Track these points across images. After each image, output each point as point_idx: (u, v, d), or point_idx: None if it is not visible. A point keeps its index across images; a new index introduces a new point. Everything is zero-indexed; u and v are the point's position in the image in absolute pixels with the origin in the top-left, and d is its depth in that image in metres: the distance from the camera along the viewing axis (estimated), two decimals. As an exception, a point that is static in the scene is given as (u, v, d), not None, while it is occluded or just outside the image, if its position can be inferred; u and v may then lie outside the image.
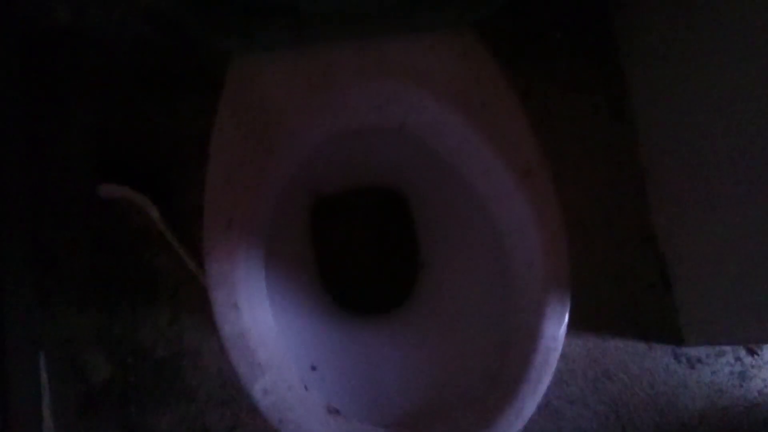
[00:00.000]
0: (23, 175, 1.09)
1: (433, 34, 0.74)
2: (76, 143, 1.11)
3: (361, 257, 0.87)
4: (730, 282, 0.99)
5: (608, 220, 1.16)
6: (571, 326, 1.06)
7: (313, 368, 0.78)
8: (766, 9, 0.81)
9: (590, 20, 1.21)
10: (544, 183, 0.73)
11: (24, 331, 1.04)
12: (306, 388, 0.70)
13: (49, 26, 1.12)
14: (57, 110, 1.12)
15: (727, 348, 1.14)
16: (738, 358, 1.14)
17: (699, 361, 1.13)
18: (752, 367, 1.14)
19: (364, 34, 0.73)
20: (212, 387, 1.07)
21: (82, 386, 1.06)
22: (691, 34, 0.99)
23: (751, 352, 1.14)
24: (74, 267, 1.09)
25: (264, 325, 0.71)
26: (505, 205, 0.76)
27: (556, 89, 1.19)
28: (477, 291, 0.82)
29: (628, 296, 1.15)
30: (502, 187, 0.74)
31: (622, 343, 1.13)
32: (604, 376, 1.12)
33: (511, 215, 0.75)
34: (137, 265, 1.09)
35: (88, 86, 1.13)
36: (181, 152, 1.11)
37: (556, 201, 0.73)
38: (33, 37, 1.12)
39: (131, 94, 1.13)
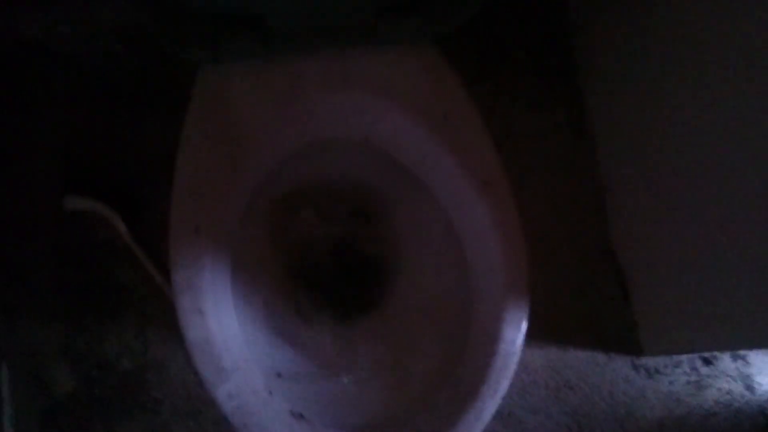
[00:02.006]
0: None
1: (397, 48, 0.76)
2: (43, 157, 1.11)
3: (327, 266, 0.88)
4: (685, 294, 1.02)
5: (569, 235, 1.19)
6: (533, 338, 1.10)
7: (279, 375, 0.79)
8: (714, 31, 0.85)
9: (551, 41, 1.26)
10: (504, 192, 0.76)
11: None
12: (270, 393, 0.71)
13: (18, 42, 1.12)
14: (24, 124, 1.12)
15: (684, 358, 1.17)
16: (694, 368, 1.17)
17: (657, 371, 1.16)
18: (708, 376, 1.17)
19: (329, 47, 0.75)
20: (177, 399, 1.07)
21: (46, 399, 1.05)
22: (644, 56, 1.03)
23: (707, 362, 1.17)
24: (39, 279, 1.08)
25: (229, 331, 0.72)
26: (465, 214, 0.78)
27: (519, 107, 1.22)
28: (439, 297, 0.84)
29: (589, 308, 1.18)
30: (463, 196, 0.77)
31: (582, 354, 1.15)
32: (565, 387, 1.14)
33: (472, 223, 0.77)
34: (103, 278, 1.09)
35: (56, 101, 1.13)
36: (148, 166, 1.12)
37: (514, 210, 0.76)
38: (1, 51, 1.13)
39: (99, 110, 1.14)
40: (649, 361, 1.17)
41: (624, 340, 1.17)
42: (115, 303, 1.09)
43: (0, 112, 1.12)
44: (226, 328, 0.71)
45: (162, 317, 1.08)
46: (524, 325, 0.74)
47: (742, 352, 1.19)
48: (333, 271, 0.87)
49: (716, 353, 1.18)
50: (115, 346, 1.07)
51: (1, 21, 1.13)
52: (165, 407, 1.06)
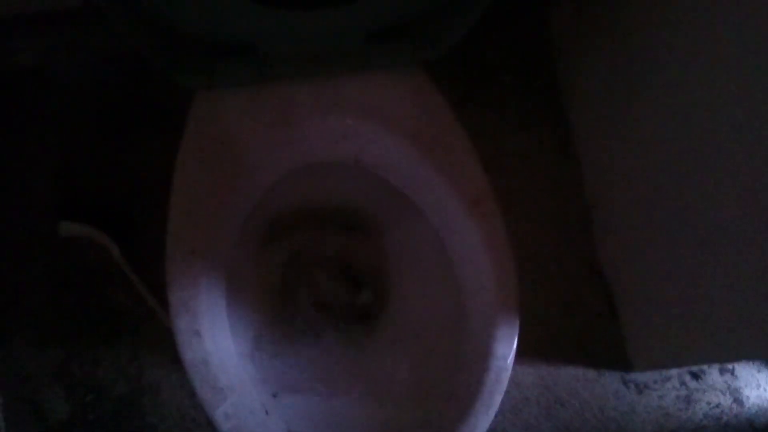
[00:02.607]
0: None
1: (387, 73, 0.78)
2: (37, 183, 1.12)
3: (321, 288, 0.89)
4: (671, 309, 1.04)
5: (557, 254, 1.21)
6: (524, 355, 1.11)
7: (274, 396, 0.80)
8: (692, 53, 0.88)
9: (536, 65, 1.29)
10: (493, 211, 0.78)
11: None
12: (267, 412, 0.72)
13: (11, 68, 1.14)
14: (17, 150, 1.13)
15: (673, 373, 1.19)
16: (683, 383, 1.19)
17: (646, 386, 1.18)
18: (696, 390, 1.19)
19: (321, 73, 0.77)
20: (172, 423, 1.07)
21: (41, 425, 1.05)
22: (624, 77, 1.06)
23: (695, 376, 1.19)
24: (34, 305, 1.09)
25: (225, 352, 0.73)
26: (456, 233, 0.80)
27: (505, 129, 1.25)
28: (432, 316, 0.86)
29: (578, 326, 1.19)
30: (453, 215, 0.79)
31: (573, 371, 1.17)
32: (556, 403, 1.15)
33: (462, 242, 0.79)
34: (97, 303, 1.10)
35: (49, 126, 1.15)
36: (142, 191, 1.13)
37: (504, 228, 0.78)
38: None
39: (93, 135, 1.15)
40: (639, 377, 1.18)
41: (613, 356, 1.18)
42: (110, 327, 1.09)
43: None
44: (222, 350, 0.72)
45: (156, 341, 1.09)
46: (515, 342, 0.75)
47: (729, 366, 1.21)
48: (326, 293, 0.88)
49: (704, 368, 1.20)
50: (110, 371, 1.07)
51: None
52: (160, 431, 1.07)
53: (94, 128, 1.15)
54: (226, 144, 0.75)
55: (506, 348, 0.75)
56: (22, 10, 1.08)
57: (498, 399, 0.74)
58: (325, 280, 0.89)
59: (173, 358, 1.08)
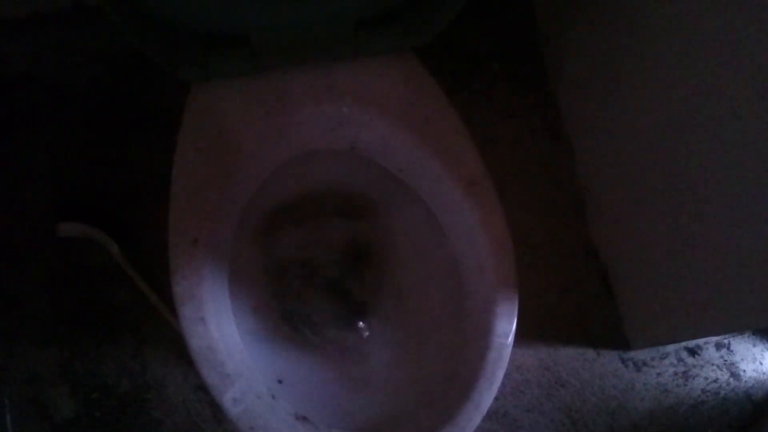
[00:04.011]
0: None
1: (378, 59, 0.80)
2: (34, 184, 1.13)
3: (321, 273, 0.90)
4: (666, 285, 1.06)
5: (551, 236, 1.23)
6: (523, 337, 1.13)
7: (280, 381, 0.81)
8: (677, 29, 0.89)
9: (524, 51, 1.30)
10: (488, 191, 0.79)
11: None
12: (273, 397, 0.73)
13: (4, 73, 1.14)
14: (14, 153, 1.14)
15: (670, 350, 1.20)
16: (680, 359, 1.20)
17: (644, 364, 1.20)
18: (694, 366, 1.21)
19: (313, 61, 0.78)
20: (178, 418, 1.08)
21: (47, 424, 1.05)
22: (608, 59, 1.07)
23: (692, 353, 1.21)
24: (35, 306, 1.09)
25: (230, 338, 0.74)
26: (453, 214, 0.81)
27: (495, 115, 1.26)
28: (433, 297, 0.87)
29: (575, 307, 1.21)
30: (449, 197, 0.80)
31: (572, 351, 1.18)
32: (557, 384, 1.17)
33: (459, 223, 0.80)
34: (98, 301, 1.10)
35: (45, 128, 1.15)
36: (138, 189, 1.14)
37: (500, 208, 0.79)
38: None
39: (88, 135, 1.16)
40: (637, 355, 1.20)
41: (611, 335, 1.20)
42: (112, 325, 1.10)
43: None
44: (227, 336, 0.73)
45: (158, 337, 1.10)
46: (515, 319, 0.76)
47: (725, 341, 1.23)
48: (326, 277, 0.90)
49: (701, 343, 1.22)
50: (114, 368, 1.08)
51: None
52: (166, 427, 1.07)
53: (89, 128, 1.16)
54: (224, 134, 0.76)
55: (507, 325, 0.76)
56: (13, 13, 1.09)
57: (500, 375, 0.75)
58: (324, 267, 0.90)
59: (177, 354, 1.09)
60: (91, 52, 1.16)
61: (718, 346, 1.23)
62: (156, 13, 0.69)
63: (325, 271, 0.89)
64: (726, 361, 1.22)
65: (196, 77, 0.75)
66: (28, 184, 1.13)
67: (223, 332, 0.73)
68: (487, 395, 0.74)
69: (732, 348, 1.23)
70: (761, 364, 1.24)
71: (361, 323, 0.88)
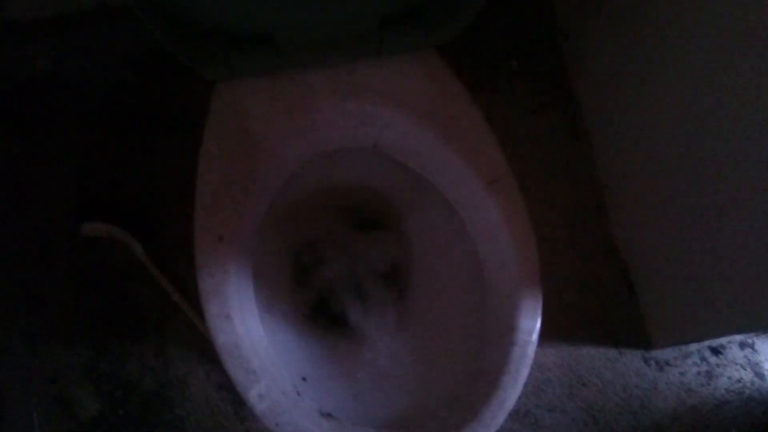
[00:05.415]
0: (7, 219, 1.12)
1: (401, 58, 0.80)
2: (58, 185, 1.14)
3: (343, 271, 0.90)
4: (688, 283, 1.05)
5: (572, 234, 1.22)
6: (545, 336, 1.11)
7: (304, 379, 0.81)
8: (703, 26, 0.89)
9: (542, 49, 1.30)
10: (511, 189, 0.79)
11: (15, 374, 1.05)
12: (298, 393, 0.74)
13: (28, 74, 1.16)
14: (37, 154, 1.15)
15: (693, 349, 1.19)
16: (704, 358, 1.20)
17: (667, 363, 1.19)
18: (717, 366, 1.20)
19: (337, 60, 0.79)
20: (201, 416, 1.08)
21: (72, 422, 1.06)
22: (629, 56, 1.07)
23: (716, 352, 1.20)
24: (60, 306, 1.10)
25: (255, 335, 0.74)
26: (476, 212, 0.81)
27: (515, 113, 1.26)
28: (456, 294, 0.87)
29: (597, 306, 1.20)
30: (472, 194, 0.80)
31: (594, 350, 1.18)
32: (578, 383, 1.16)
33: (482, 220, 0.80)
34: (122, 300, 1.11)
35: (68, 129, 1.17)
36: (161, 188, 1.15)
37: (523, 205, 0.79)
38: (13, 84, 1.16)
39: (111, 136, 1.17)
40: (659, 354, 1.19)
41: (633, 334, 1.19)
42: (135, 324, 1.11)
43: (14, 144, 1.15)
44: (252, 333, 0.74)
45: (181, 336, 1.10)
46: (539, 315, 0.76)
47: (749, 340, 1.22)
48: (349, 275, 0.90)
49: (724, 343, 1.20)
50: (137, 366, 1.09)
51: (12, 58, 1.16)
52: (189, 424, 1.08)
53: (112, 129, 1.17)
54: (248, 132, 0.77)
55: (531, 322, 0.76)
56: (37, 15, 1.11)
57: (525, 372, 0.75)
58: (347, 264, 0.90)
59: (199, 352, 1.10)
60: (114, 53, 1.17)
61: (742, 346, 1.22)
62: (183, 13, 0.69)
63: (349, 272, 0.90)
64: (750, 360, 1.21)
65: (221, 76, 0.76)
66: (53, 185, 1.14)
67: (248, 329, 0.73)
68: (512, 392, 0.74)
69: (756, 347, 1.22)
70: (786, 363, 1.23)
71: (384, 320, 0.88)
